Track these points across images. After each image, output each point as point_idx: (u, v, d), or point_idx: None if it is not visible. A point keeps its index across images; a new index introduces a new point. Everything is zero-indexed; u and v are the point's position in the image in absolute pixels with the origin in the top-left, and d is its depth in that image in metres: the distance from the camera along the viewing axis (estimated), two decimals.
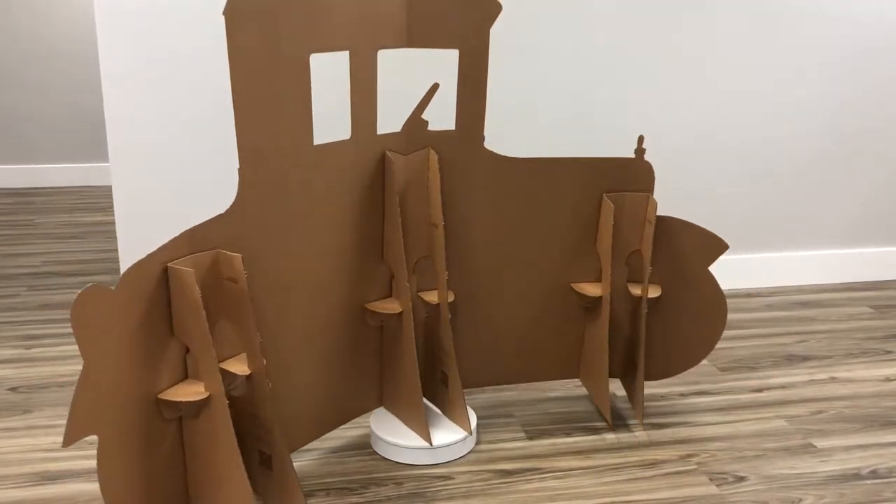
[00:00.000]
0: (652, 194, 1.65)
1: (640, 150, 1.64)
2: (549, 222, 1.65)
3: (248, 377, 1.27)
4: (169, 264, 1.17)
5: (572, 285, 1.71)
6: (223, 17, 1.15)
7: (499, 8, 1.48)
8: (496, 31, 1.53)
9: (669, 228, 1.66)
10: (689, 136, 2.44)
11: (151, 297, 1.17)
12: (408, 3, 1.42)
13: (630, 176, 1.65)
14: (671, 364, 1.77)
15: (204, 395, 1.22)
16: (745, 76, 2.42)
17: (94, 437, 1.64)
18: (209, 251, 1.22)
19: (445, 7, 1.44)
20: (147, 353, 1.18)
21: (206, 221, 1.22)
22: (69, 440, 1.09)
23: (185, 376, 1.25)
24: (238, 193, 1.26)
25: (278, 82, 1.25)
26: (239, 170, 1.24)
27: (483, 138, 1.56)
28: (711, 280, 1.67)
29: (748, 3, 2.35)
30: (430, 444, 1.57)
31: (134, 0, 2.04)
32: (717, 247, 1.64)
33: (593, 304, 1.71)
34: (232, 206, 1.25)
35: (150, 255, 1.15)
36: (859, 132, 2.55)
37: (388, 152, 1.46)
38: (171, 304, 1.20)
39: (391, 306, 1.54)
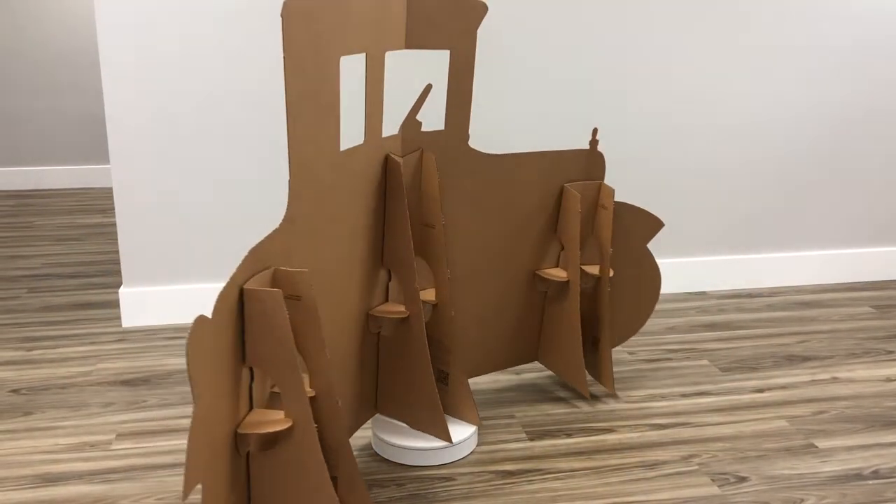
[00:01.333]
0: (603, 181, 1.80)
1: (593, 142, 1.77)
2: (518, 214, 1.74)
3: (312, 398, 1.21)
4: (245, 287, 1.11)
5: (538, 272, 1.81)
6: (280, 17, 1.11)
7: (485, 8, 1.52)
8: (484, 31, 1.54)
9: (614, 211, 1.80)
10: (689, 137, 2.44)
11: (234, 324, 1.11)
12: (407, 4, 1.43)
13: (587, 166, 1.78)
14: (616, 335, 1.94)
15: (287, 424, 1.15)
16: (745, 76, 2.42)
17: (96, 439, 1.65)
18: (268, 269, 1.17)
19: (440, 8, 1.47)
20: (231, 386, 1.12)
21: (264, 238, 1.17)
22: (188, 491, 1.00)
23: (250, 406, 1.19)
24: (288, 207, 1.20)
25: (320, 86, 1.21)
26: (290, 182, 1.19)
27: (468, 136, 1.61)
28: (649, 255, 1.87)
29: (749, 4, 2.35)
30: (451, 441, 1.58)
31: (134, 2, 2.04)
32: (654, 225, 1.83)
33: (556, 288, 1.81)
34: (284, 221, 1.20)
35: (230, 281, 1.09)
36: (860, 132, 2.55)
37: (392, 156, 1.46)
38: (245, 329, 1.13)
39: (398, 310, 1.54)
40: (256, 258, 1.14)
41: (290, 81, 1.15)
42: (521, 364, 1.92)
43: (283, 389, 1.16)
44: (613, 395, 1.86)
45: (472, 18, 1.51)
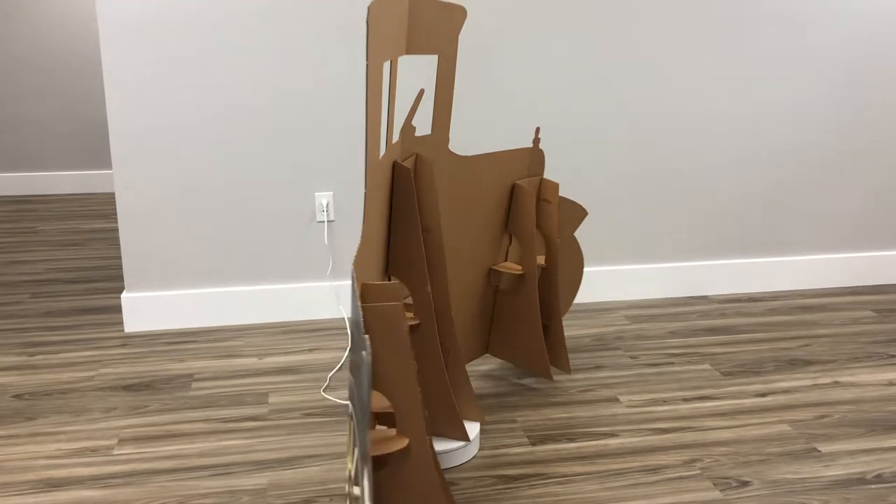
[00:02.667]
0: (543, 176, 1.88)
1: (536, 140, 1.85)
2: (479, 212, 1.80)
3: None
4: (363, 304, 1.04)
5: (494, 267, 1.88)
6: (367, 23, 1.07)
7: (464, 14, 1.56)
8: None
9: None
10: (690, 141, 2.44)
11: None
12: (409, 10, 1.44)
13: (530, 163, 1.86)
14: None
15: (404, 443, 1.11)
16: (746, 80, 2.42)
17: (98, 444, 1.65)
18: (360, 284, 1.11)
19: (432, 13, 1.49)
20: None
21: (357, 254, 1.13)
22: None
23: None
24: (365, 216, 1.17)
25: (379, 93, 1.19)
26: (367, 194, 1.14)
27: (448, 139, 1.64)
28: (575, 242, 2.02)
29: (750, 8, 2.35)
30: (468, 440, 1.59)
31: (137, 8, 2.05)
32: (580, 214, 1.97)
33: (509, 281, 1.88)
34: (364, 235, 1.17)
35: (362, 302, 1.04)
36: (862, 136, 2.56)
37: (398, 161, 1.46)
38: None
39: (408, 316, 1.54)
40: (359, 273, 1.09)
41: (373, 91, 1.07)
42: (476, 358, 1.97)
43: (402, 405, 1.10)
44: (615, 400, 1.86)
45: (455, 23, 1.55)
